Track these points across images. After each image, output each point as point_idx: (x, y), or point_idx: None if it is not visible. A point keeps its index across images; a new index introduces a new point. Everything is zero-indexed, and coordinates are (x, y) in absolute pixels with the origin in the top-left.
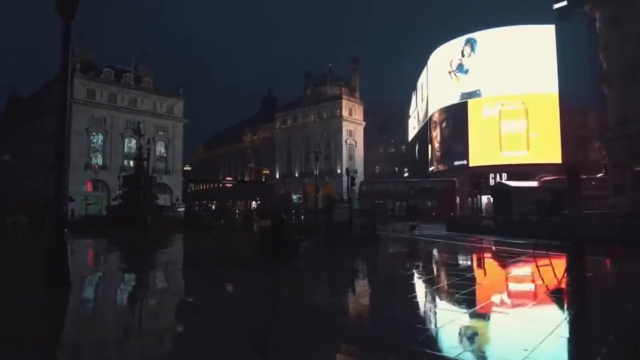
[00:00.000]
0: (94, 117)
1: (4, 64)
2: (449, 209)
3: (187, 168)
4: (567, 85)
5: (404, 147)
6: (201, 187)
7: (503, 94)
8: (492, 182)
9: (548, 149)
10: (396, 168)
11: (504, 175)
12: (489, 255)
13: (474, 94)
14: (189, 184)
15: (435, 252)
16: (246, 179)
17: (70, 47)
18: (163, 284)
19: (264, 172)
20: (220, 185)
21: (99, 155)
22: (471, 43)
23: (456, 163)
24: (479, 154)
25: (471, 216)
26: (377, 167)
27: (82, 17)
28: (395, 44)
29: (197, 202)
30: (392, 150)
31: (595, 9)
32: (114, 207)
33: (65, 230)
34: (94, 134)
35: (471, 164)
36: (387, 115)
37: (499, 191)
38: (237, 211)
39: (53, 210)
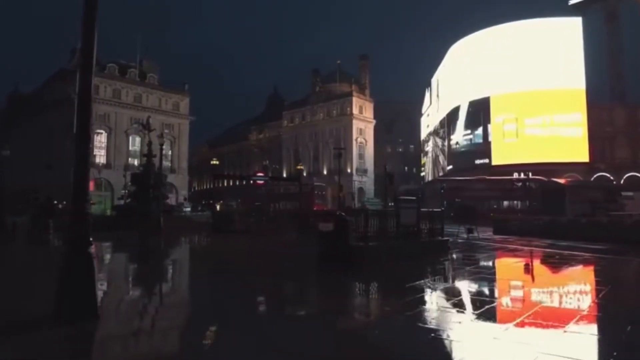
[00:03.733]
0: (97, 114)
1: (4, 61)
2: (311, 209)
3: (215, 162)
4: (593, 80)
5: (412, 146)
6: (205, 187)
7: (524, 90)
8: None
9: (571, 147)
10: (405, 167)
11: (529, 175)
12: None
13: (494, 91)
14: (216, 179)
15: (548, 267)
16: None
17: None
18: (227, 310)
19: (299, 167)
20: (250, 182)
21: (103, 153)
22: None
23: (477, 162)
24: (502, 152)
25: (519, 218)
26: (386, 166)
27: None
28: (404, 41)
29: (203, 202)
30: (400, 149)
31: None
32: (122, 206)
33: (91, 239)
34: (98, 131)
35: (494, 163)
36: (395, 113)
37: (550, 190)
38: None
39: (73, 214)
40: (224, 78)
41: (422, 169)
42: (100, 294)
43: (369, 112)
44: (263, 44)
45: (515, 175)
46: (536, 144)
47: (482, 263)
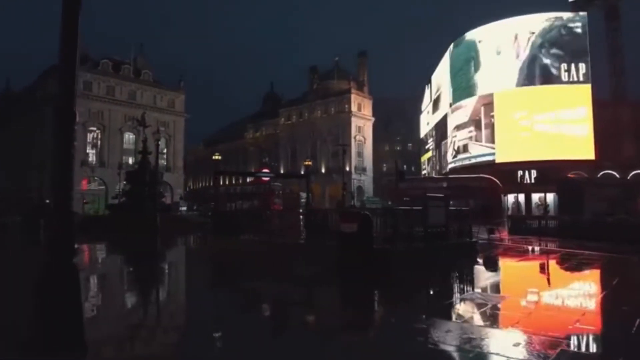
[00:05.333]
0: (90, 111)
1: None
2: (267, 208)
3: (217, 157)
4: (596, 77)
5: (410, 144)
6: (200, 185)
7: (529, 86)
8: (520, 181)
9: (577, 145)
10: (404, 166)
11: (534, 172)
12: None
13: (498, 87)
14: (218, 176)
15: (603, 273)
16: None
17: None
18: (244, 329)
19: (307, 163)
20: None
21: (96, 151)
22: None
23: (481, 159)
24: (506, 150)
25: (538, 217)
26: (384, 165)
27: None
28: (400, 38)
29: (199, 202)
30: (398, 147)
31: None
32: (116, 205)
33: (76, 246)
34: (91, 128)
35: (497, 161)
36: (392, 111)
37: (567, 187)
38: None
39: (53, 215)
40: (220, 76)
41: (423, 167)
42: (90, 313)
43: (367, 109)
44: (259, 42)
45: (520, 173)
46: (541, 141)
47: (526, 270)
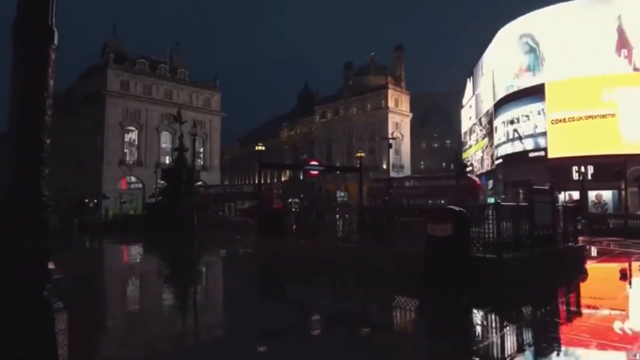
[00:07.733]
0: (128, 110)
1: None
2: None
3: (260, 147)
4: None
5: (448, 141)
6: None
7: (583, 75)
8: (575, 177)
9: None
10: (443, 163)
11: (590, 168)
12: None
13: (550, 77)
14: (262, 168)
15: None
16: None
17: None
18: None
19: (359, 154)
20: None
21: (134, 151)
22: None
23: (531, 155)
24: (559, 144)
25: (626, 216)
26: (422, 162)
27: (113, 6)
28: (436, 31)
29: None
30: (436, 145)
31: None
32: (153, 204)
33: (52, 268)
34: (128, 128)
35: (550, 155)
36: (428, 107)
37: None
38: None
39: (11, 218)
40: (255, 75)
41: (467, 162)
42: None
43: (405, 105)
44: (295, 41)
45: (575, 168)
46: (597, 135)
47: None
